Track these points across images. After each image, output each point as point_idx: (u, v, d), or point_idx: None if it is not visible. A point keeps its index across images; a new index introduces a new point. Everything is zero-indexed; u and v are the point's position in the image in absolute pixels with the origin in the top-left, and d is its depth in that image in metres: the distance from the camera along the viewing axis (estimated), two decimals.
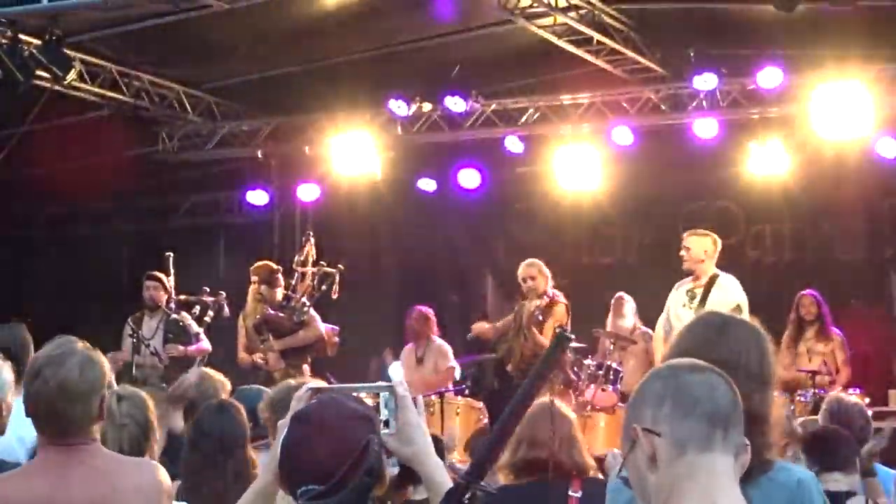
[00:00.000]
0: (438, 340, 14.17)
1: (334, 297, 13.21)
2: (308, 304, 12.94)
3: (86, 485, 4.36)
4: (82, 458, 4.38)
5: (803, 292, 13.24)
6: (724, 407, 2.71)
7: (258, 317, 12.91)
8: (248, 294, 13.13)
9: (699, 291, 11.29)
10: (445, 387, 13.54)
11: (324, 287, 13.13)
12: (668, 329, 11.31)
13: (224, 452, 5.88)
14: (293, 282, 13.23)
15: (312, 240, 13.73)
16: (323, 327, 13.07)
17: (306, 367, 12.95)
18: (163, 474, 4.60)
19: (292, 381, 6.44)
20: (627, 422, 2.78)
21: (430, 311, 14.25)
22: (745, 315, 10.78)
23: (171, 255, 13.34)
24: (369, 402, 3.40)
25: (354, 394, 3.42)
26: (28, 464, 4.70)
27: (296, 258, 13.60)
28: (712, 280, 11.30)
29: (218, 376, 8.49)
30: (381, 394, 3.40)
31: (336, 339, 13.42)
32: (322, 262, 13.40)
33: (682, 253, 11.38)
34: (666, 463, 2.70)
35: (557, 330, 3.08)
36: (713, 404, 2.70)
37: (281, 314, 12.90)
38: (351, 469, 3.17)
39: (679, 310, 11.29)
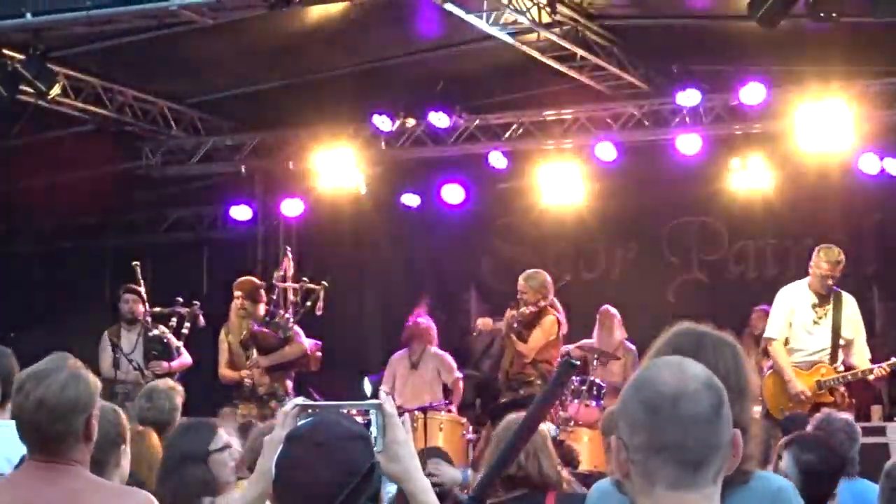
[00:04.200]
0: (436, 349, 14.18)
1: (318, 313, 13.19)
2: (292, 319, 12.93)
3: None
4: (53, 479, 4.30)
5: (757, 307, 13.35)
6: (696, 450, 2.70)
7: (245, 333, 12.87)
8: (231, 310, 13.09)
9: (829, 308, 11.42)
10: (461, 400, 13.62)
11: (308, 303, 13.11)
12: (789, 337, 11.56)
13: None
14: (275, 297, 13.20)
15: (290, 255, 13.71)
16: (307, 342, 13.05)
17: (289, 383, 12.93)
18: None
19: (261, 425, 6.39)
20: (615, 425, 2.80)
21: (430, 322, 14.34)
22: (865, 346, 10.94)
23: (138, 263, 13.31)
24: (359, 419, 3.40)
25: (345, 411, 3.42)
26: (2, 478, 4.65)
27: (275, 274, 13.57)
28: (838, 296, 11.46)
29: (165, 383, 8.52)
30: (370, 411, 3.40)
31: (319, 353, 13.41)
32: (304, 279, 13.37)
33: (830, 281, 11.40)
34: (639, 488, 2.73)
35: (563, 357, 3.06)
36: (684, 449, 2.70)
37: (266, 330, 12.87)
38: (355, 492, 3.16)
39: (811, 326, 11.41)
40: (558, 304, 12.72)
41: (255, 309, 12.90)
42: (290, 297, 13.31)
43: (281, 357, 12.84)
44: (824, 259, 11.41)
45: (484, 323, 13.72)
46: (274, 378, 12.76)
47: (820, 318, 11.41)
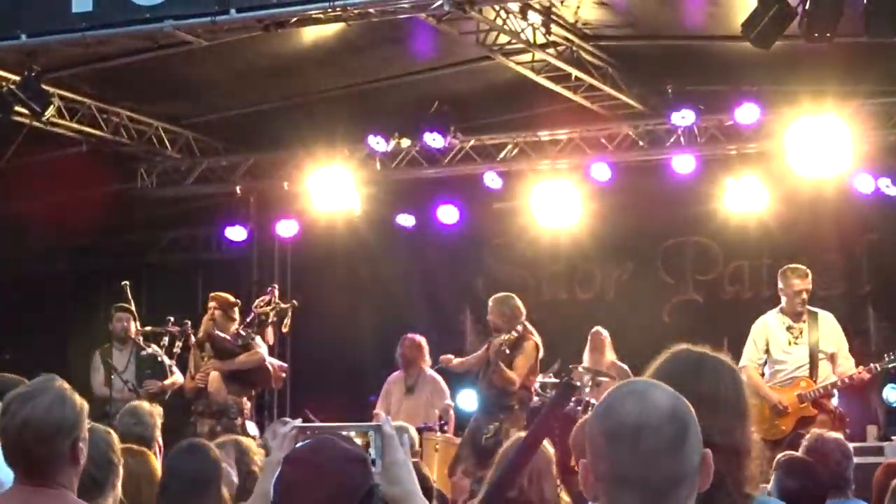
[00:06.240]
0: (432, 372, 14.04)
1: (284, 330, 13.27)
2: (253, 333, 12.95)
3: None
4: (40, 502, 4.26)
5: None
6: (659, 483, 2.68)
7: (203, 333, 12.88)
8: (202, 322, 13.09)
9: (804, 327, 11.60)
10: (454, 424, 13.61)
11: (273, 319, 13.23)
12: (764, 362, 11.76)
13: (197, 493, 5.80)
14: (248, 320, 13.18)
15: (277, 291, 13.72)
16: (266, 355, 13.01)
17: (247, 402, 12.90)
18: None
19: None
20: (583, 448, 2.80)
21: (422, 340, 14.16)
22: (849, 356, 10.80)
23: (128, 283, 13.33)
24: (358, 441, 3.38)
25: (344, 433, 3.40)
26: None
27: (258, 300, 13.57)
28: (813, 315, 11.65)
29: (144, 403, 8.56)
30: (369, 432, 3.38)
31: (283, 374, 13.34)
32: (278, 301, 13.40)
33: (804, 297, 11.64)
34: None
35: (564, 378, 3.03)
36: (647, 482, 2.68)
37: (224, 335, 12.85)
38: None
39: (787, 347, 11.60)
40: (531, 327, 12.56)
41: (225, 323, 12.92)
42: (271, 319, 13.30)
43: (235, 365, 12.81)
44: (793, 277, 11.72)
45: (446, 359, 13.48)
46: (231, 391, 12.74)
47: (796, 338, 11.56)
